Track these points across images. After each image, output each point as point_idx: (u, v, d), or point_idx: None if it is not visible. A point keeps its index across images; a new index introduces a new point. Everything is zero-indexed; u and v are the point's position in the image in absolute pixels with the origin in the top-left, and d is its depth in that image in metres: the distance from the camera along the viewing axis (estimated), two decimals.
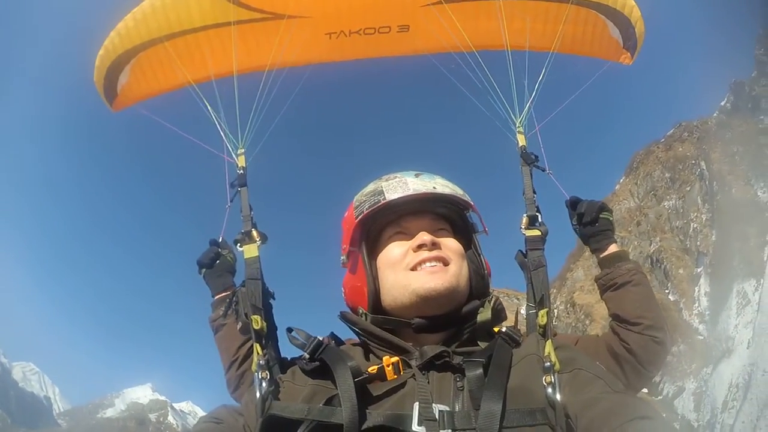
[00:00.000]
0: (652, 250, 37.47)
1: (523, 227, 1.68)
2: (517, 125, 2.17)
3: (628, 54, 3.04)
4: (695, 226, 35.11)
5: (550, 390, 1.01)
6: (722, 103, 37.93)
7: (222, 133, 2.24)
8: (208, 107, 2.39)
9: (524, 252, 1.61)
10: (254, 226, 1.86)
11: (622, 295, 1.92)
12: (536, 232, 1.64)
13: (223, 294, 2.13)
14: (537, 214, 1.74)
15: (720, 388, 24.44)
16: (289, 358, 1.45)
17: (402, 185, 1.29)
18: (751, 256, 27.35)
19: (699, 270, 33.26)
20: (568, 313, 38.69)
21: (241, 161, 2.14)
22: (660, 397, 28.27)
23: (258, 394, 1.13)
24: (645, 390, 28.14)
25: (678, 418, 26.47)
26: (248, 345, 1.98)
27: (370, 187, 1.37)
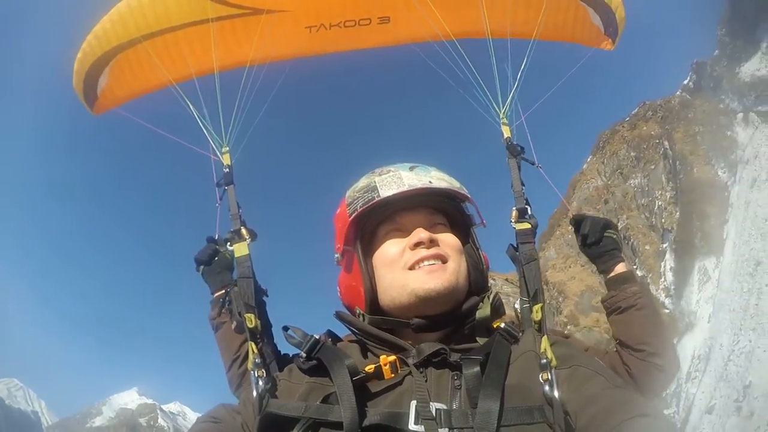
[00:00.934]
0: (619, 228, 39.30)
1: (513, 220, 1.68)
2: (501, 116, 2.14)
3: (610, 40, 3.08)
4: (660, 203, 36.80)
5: (547, 387, 1.01)
6: (685, 82, 39.38)
7: (206, 132, 2.23)
8: (190, 107, 2.36)
9: (515, 246, 1.61)
10: (243, 224, 1.85)
11: (626, 319, 1.92)
12: (526, 225, 1.63)
13: (222, 292, 2.12)
14: (526, 206, 1.74)
15: (684, 359, 26.26)
16: (291, 355, 1.42)
17: (396, 180, 1.26)
18: (711, 234, 29.16)
19: (664, 246, 35.03)
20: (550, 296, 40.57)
21: (226, 159, 2.12)
22: None
23: (255, 393, 1.14)
24: None
25: None
26: None
27: (363, 182, 1.33)
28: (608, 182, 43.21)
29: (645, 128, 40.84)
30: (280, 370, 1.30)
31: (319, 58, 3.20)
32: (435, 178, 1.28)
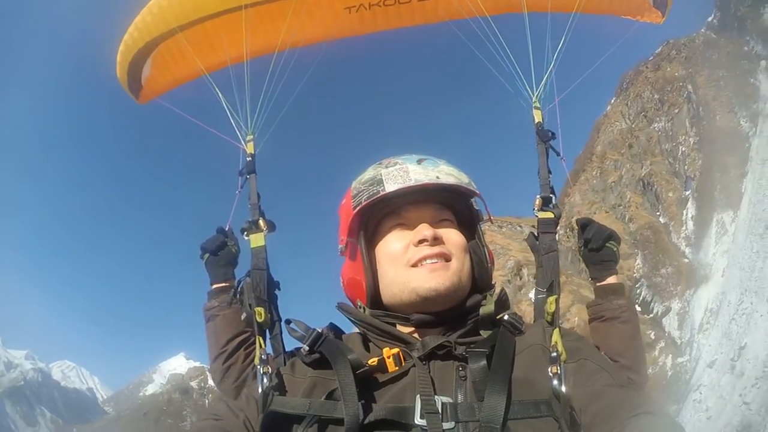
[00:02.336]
0: (643, 173, 40.31)
1: (536, 209, 1.66)
2: (533, 100, 2.14)
3: (659, 12, 2.93)
4: (683, 149, 37.16)
5: (555, 381, 1.02)
6: (710, 19, 38.18)
7: (232, 120, 2.24)
8: (220, 95, 2.40)
9: (536, 234, 1.61)
10: (262, 214, 1.85)
11: (607, 329, 1.99)
12: (549, 215, 1.62)
13: (222, 285, 2.18)
14: (551, 195, 1.72)
15: (698, 310, 28.03)
16: (294, 350, 1.40)
17: (403, 174, 1.25)
18: (730, 187, 29.84)
19: (687, 193, 35.53)
20: (568, 237, 42.61)
21: (249, 148, 2.12)
22: (651, 315, 32.72)
23: (260, 389, 1.15)
24: (638, 308, 32.22)
25: (665, 335, 31.17)
26: (237, 340, 2.07)
27: (369, 173, 1.32)
28: (632, 125, 43.18)
29: (669, 69, 40.27)
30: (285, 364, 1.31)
31: (342, 39, 3.17)
32: (443, 173, 1.27)
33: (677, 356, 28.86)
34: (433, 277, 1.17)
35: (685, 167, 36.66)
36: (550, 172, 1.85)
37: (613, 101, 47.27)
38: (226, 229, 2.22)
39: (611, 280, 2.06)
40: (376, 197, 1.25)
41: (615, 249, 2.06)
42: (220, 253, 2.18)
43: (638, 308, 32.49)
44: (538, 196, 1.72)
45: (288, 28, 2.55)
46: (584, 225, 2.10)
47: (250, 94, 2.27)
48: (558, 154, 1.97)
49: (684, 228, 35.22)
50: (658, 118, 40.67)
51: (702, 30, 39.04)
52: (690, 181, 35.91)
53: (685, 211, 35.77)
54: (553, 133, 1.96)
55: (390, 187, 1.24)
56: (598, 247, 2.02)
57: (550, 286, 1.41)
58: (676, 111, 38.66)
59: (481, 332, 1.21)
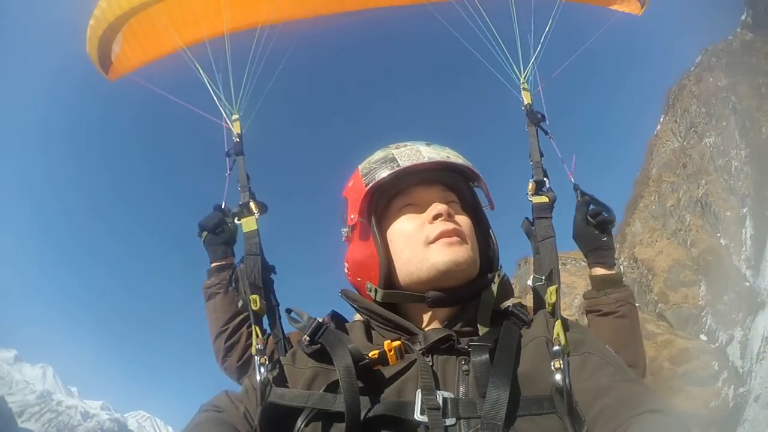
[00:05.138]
0: (700, 194, 39.22)
1: (529, 193, 1.69)
2: (521, 81, 2.15)
3: (638, 3, 3.05)
4: (736, 164, 35.98)
5: (558, 376, 1.02)
6: (743, 18, 37.50)
7: (216, 99, 2.24)
8: (201, 71, 2.38)
9: (531, 220, 1.62)
10: (252, 196, 1.89)
11: (604, 324, 1.97)
12: (543, 199, 1.63)
13: (221, 262, 2.23)
14: (544, 179, 1.74)
15: (756, 338, 26.62)
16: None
17: (415, 153, 1.30)
18: None
19: (744, 211, 33.94)
20: (632, 269, 41.65)
21: (236, 128, 2.13)
22: (716, 345, 31.34)
23: (258, 380, 1.17)
24: (704, 338, 30.94)
25: (728, 365, 29.72)
26: (240, 317, 2.14)
27: (379, 154, 1.36)
28: (684, 143, 42.26)
29: (711, 79, 39.52)
30: (286, 350, 1.37)
31: (325, 23, 3.24)
32: (452, 155, 1.33)
33: (739, 386, 27.63)
34: (452, 251, 1.21)
35: (740, 183, 35.49)
36: (542, 154, 1.85)
37: (662, 119, 46.66)
38: (222, 206, 2.25)
39: (610, 269, 2.02)
40: (391, 173, 1.28)
41: (610, 234, 2.01)
42: (219, 231, 2.23)
43: (704, 338, 31.41)
44: (531, 180, 1.74)
45: (269, 3, 2.57)
46: (588, 199, 2.00)
47: (233, 71, 2.27)
48: (546, 133, 1.98)
49: (744, 249, 33.58)
50: (708, 133, 39.69)
51: (738, 30, 38.31)
52: (745, 198, 34.67)
53: (744, 231, 34.22)
54: (543, 115, 1.98)
55: (404, 163, 1.28)
56: (602, 225, 1.93)
57: (549, 274, 1.43)
58: (724, 123, 37.68)
59: (486, 321, 1.22)
